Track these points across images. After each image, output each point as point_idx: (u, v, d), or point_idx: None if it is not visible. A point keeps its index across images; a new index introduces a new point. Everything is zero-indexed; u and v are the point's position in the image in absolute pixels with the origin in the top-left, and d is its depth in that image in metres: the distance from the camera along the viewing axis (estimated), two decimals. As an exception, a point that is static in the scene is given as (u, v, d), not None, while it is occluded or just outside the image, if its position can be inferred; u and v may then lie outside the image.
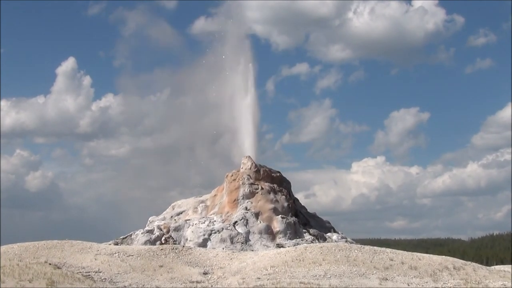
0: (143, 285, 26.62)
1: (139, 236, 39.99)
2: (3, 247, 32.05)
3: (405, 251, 32.74)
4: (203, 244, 37.96)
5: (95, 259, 29.88)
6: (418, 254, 31.96)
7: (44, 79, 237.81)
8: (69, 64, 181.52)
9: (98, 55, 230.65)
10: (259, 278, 26.84)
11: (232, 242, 38.05)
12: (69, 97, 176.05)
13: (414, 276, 27.42)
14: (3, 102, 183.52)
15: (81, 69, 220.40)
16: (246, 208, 41.00)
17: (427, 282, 26.74)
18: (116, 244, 39.05)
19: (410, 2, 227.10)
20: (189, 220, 41.65)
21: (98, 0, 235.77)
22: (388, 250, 31.85)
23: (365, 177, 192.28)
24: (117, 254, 31.21)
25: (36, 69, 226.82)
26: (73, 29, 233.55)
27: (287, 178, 46.20)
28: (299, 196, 51.41)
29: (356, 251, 30.69)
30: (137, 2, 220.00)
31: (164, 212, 45.82)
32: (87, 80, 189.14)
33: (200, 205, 44.53)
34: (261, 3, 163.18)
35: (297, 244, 37.14)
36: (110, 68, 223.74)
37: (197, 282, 27.62)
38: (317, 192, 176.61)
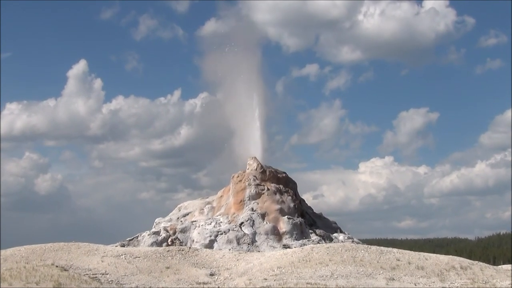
0: (150, 287, 26.64)
1: (146, 238, 40.03)
2: (10, 250, 32.13)
3: (412, 251, 32.69)
4: (210, 245, 37.98)
5: (102, 261, 29.93)
6: (425, 254, 31.90)
7: (55, 82, 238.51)
8: (80, 67, 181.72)
9: (110, 58, 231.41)
10: (266, 279, 26.83)
11: (238, 243, 38.05)
12: (80, 100, 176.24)
13: (421, 276, 27.36)
14: (14, 105, 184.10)
15: (92, 72, 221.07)
16: (252, 209, 41.00)
17: (434, 282, 26.67)
18: (123, 246, 39.09)
19: (421, 4, 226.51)
20: (195, 221, 41.67)
21: (111, 3, 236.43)
22: (395, 250, 31.80)
23: (372, 177, 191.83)
24: (123, 256, 31.25)
25: (47, 72, 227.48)
26: (85, 33, 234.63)
27: (294, 179, 46.28)
28: (307, 196, 51.36)
29: (362, 251, 30.65)
30: (149, 6, 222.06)
31: (171, 214, 45.85)
32: (98, 83, 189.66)
33: (206, 206, 44.53)
34: (272, 6, 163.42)
35: (304, 244, 37.11)
36: (121, 71, 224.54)
37: (204, 283, 27.63)
38: (325, 192, 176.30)
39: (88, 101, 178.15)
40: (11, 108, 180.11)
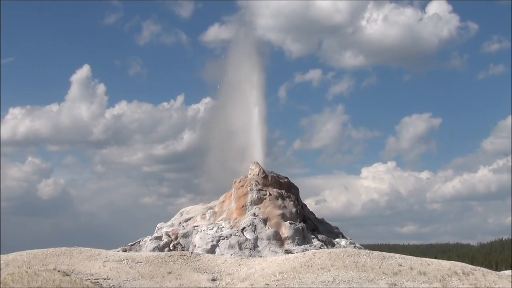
0: (152, 292, 26.65)
1: (148, 243, 40.03)
2: (12, 255, 32.13)
3: (414, 257, 32.64)
4: (212, 250, 37.96)
5: (104, 266, 29.93)
6: (427, 259, 31.84)
7: (58, 87, 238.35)
8: (83, 72, 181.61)
9: (113, 63, 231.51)
10: (268, 284, 26.84)
11: (240, 248, 38.04)
12: (83, 105, 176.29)
13: (423, 282, 27.33)
14: (17, 110, 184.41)
15: (95, 77, 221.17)
16: (254, 214, 40.99)
17: (436, 288, 26.65)
18: (125, 251, 39.09)
19: (424, 9, 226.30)
20: (197, 226, 41.66)
21: (114, 8, 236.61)
22: (397, 255, 31.75)
23: (375, 182, 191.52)
24: (125, 261, 31.25)
25: (51, 77, 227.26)
26: (89, 38, 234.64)
27: (297, 184, 46.31)
28: (309, 201, 51.32)
29: (364, 256, 30.61)
30: (153, 11, 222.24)
31: (172, 219, 45.84)
32: (101, 88, 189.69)
33: (208, 211, 44.53)
34: (275, 11, 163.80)
35: (306, 250, 37.10)
36: (125, 76, 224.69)
37: (206, 288, 27.63)
38: (327, 197, 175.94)
39: (91, 106, 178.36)
40: (14, 113, 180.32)
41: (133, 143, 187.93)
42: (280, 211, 41.39)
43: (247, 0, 63.52)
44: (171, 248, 39.02)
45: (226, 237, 38.91)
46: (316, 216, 46.19)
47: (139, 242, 40.97)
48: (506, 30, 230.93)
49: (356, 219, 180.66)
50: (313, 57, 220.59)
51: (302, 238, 39.94)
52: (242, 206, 42.14)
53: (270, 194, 42.56)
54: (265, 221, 40.48)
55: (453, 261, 32.40)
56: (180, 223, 44.21)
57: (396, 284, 26.63)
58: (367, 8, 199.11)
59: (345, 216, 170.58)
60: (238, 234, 39.21)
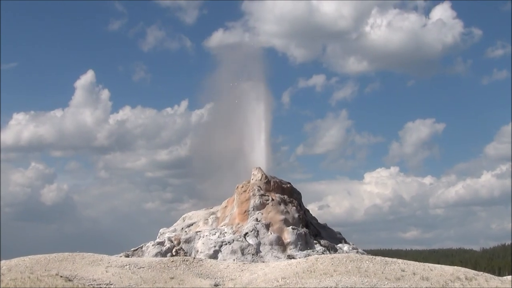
0: (154, 297, 26.62)
1: (150, 248, 40.02)
2: (15, 260, 32.13)
3: (417, 262, 32.59)
4: (214, 255, 37.95)
5: (106, 271, 29.91)
6: (430, 264, 31.79)
7: (62, 93, 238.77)
8: (87, 77, 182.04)
9: (117, 69, 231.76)
10: (270, 290, 26.80)
11: (243, 254, 38.01)
12: (87, 111, 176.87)
13: (426, 287, 27.28)
14: (21, 116, 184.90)
15: (99, 83, 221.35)
16: (256, 219, 40.97)
17: (439, 293, 26.58)
18: (127, 256, 39.09)
19: (428, 15, 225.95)
20: (199, 231, 41.66)
21: (119, 14, 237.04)
22: (400, 261, 31.69)
23: (378, 187, 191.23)
24: (128, 266, 31.23)
25: (55, 83, 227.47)
26: (93, 43, 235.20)
27: (300, 189, 46.31)
28: (312, 207, 51.42)
29: (367, 262, 30.56)
30: (157, 17, 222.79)
31: (175, 224, 45.84)
32: (105, 94, 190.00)
33: (211, 216, 44.53)
34: (279, 17, 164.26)
35: (308, 255, 37.05)
36: (129, 82, 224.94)
37: (208, 294, 27.58)
38: (330, 203, 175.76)
39: (95, 111, 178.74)
40: (18, 118, 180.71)
41: (136, 148, 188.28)
42: (282, 217, 41.37)
43: (251, 1, 63.95)
44: (174, 254, 39.01)
45: (229, 242, 38.90)
46: (319, 221, 46.19)
47: (142, 247, 40.98)
48: (510, 36, 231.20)
49: (359, 224, 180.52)
50: (317, 63, 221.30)
51: (304, 243, 39.90)
52: (245, 212, 42.14)
53: (272, 200, 42.56)
54: (267, 226, 40.46)
55: (456, 266, 32.30)
56: (182, 228, 44.21)
57: (398, 290, 26.58)
58: (371, 14, 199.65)
59: (348, 221, 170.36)
60: (240, 239, 39.19)
